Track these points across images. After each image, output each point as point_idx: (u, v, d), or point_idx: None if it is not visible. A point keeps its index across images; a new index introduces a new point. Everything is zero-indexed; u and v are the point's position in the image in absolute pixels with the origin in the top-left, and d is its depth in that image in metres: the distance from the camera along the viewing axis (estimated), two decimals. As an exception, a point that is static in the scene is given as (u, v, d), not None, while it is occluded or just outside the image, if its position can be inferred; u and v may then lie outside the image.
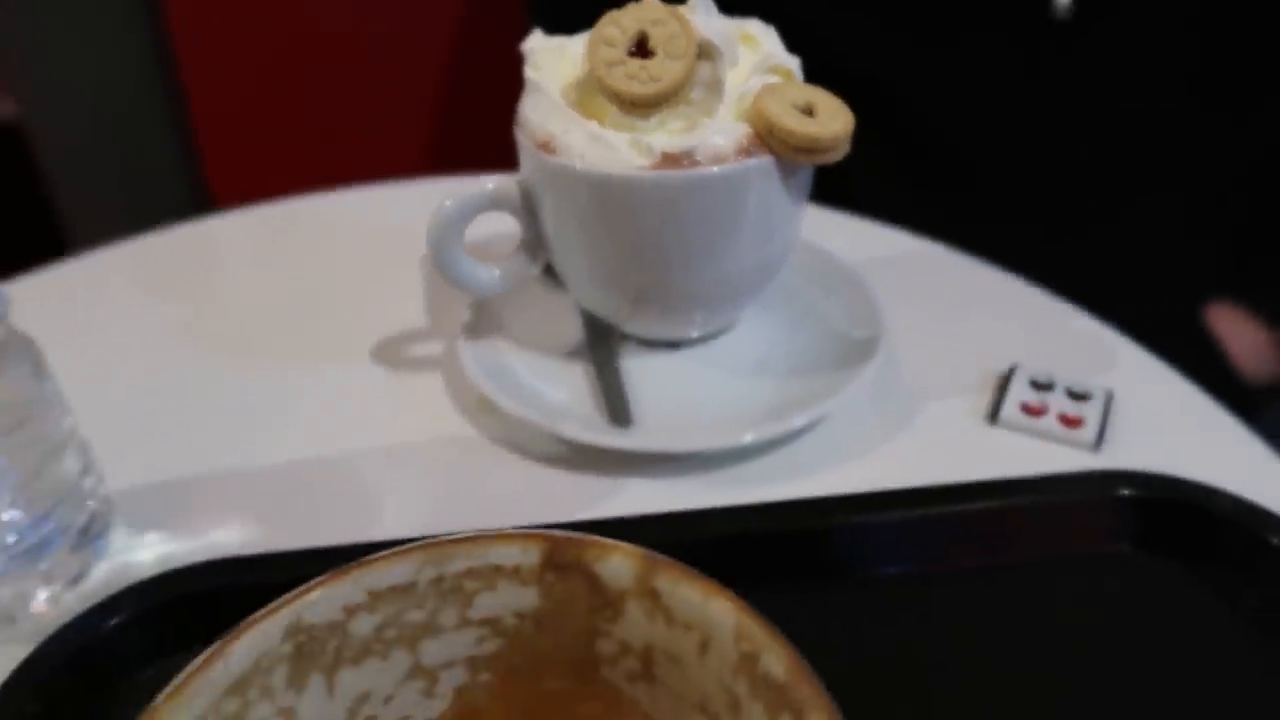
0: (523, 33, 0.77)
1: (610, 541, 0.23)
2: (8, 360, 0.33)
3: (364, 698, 0.23)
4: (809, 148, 0.37)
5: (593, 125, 0.38)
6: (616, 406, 0.41)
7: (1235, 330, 0.75)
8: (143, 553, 0.38)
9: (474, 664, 0.24)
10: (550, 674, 0.24)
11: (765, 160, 0.38)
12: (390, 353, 0.49)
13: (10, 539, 0.34)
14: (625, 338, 0.46)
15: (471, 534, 0.23)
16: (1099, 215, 0.73)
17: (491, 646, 0.24)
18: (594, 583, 0.23)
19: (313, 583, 0.22)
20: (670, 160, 0.37)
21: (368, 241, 0.58)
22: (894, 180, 0.71)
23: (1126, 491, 0.36)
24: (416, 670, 0.23)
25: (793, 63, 0.40)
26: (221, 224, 0.62)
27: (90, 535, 0.37)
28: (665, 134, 0.38)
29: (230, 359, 0.49)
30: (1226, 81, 0.68)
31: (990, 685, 0.32)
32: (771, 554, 0.35)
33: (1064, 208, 0.72)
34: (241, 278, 0.57)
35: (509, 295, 0.45)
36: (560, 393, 0.43)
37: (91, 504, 0.37)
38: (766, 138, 0.38)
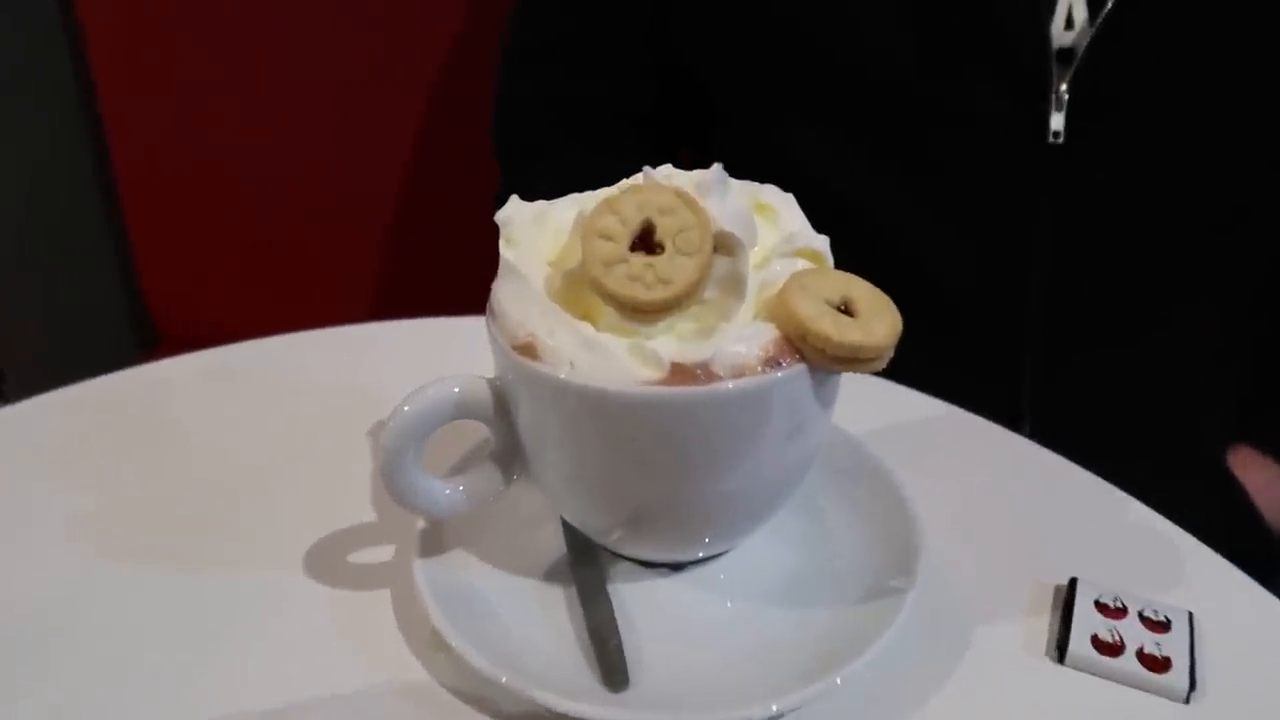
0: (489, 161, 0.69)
1: None
2: None
3: None
4: (850, 357, 0.30)
5: (585, 327, 0.30)
6: (610, 663, 0.33)
7: (1257, 476, 0.69)
8: None
9: None
10: None
11: (795, 370, 0.31)
12: (330, 560, 0.40)
13: None
14: (617, 555, 0.38)
15: None
16: (1107, 345, 0.67)
17: None
18: None
19: None
20: (682, 373, 0.30)
21: (312, 399, 0.50)
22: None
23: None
24: None
25: (821, 243, 0.34)
26: (154, 371, 0.53)
27: None
28: (674, 339, 0.31)
29: (139, 575, 0.40)
30: (1228, 196, 0.64)
31: None
32: None
33: (1068, 341, 0.66)
34: (161, 453, 0.48)
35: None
36: (537, 630, 0.35)
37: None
38: (797, 342, 0.31)
